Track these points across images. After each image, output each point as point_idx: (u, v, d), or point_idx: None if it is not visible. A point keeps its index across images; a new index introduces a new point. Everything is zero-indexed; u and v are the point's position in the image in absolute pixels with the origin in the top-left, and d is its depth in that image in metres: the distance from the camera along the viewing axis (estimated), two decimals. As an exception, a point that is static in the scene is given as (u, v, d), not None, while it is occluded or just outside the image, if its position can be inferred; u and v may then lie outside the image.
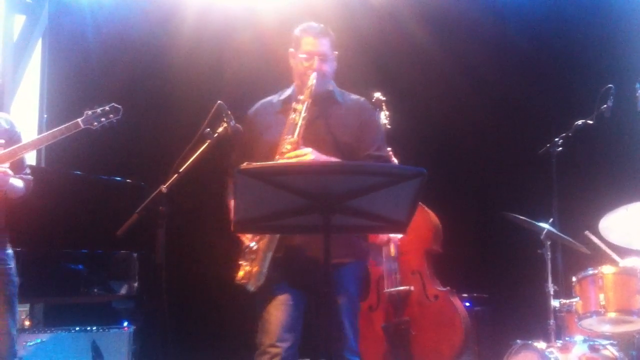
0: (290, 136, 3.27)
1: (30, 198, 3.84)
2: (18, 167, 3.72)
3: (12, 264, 3.75)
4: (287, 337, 3.31)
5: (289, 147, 3.25)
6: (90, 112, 3.77)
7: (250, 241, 3.28)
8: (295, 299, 3.37)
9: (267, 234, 3.20)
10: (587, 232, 4.39)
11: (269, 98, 3.64)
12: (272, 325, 3.32)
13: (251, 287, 3.27)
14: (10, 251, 3.78)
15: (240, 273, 3.27)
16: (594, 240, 4.35)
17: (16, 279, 3.76)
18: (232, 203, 3.28)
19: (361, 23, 5.96)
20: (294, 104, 3.34)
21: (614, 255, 4.32)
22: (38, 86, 6.23)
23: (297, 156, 3.21)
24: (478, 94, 5.95)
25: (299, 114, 3.29)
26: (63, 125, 3.74)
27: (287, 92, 3.58)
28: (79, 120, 3.74)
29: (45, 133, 3.80)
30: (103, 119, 3.77)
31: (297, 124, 3.28)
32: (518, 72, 5.98)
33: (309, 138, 3.31)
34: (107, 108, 3.79)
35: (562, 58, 5.90)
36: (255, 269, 3.24)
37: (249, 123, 3.56)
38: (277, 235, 3.22)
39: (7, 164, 3.57)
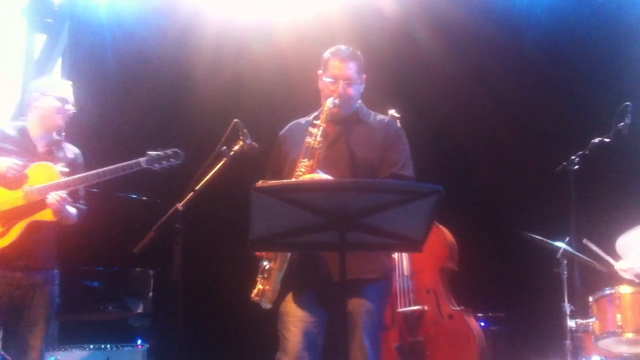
0: (305, 160, 3.30)
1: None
2: (74, 196, 3.83)
3: (56, 284, 3.83)
4: (305, 355, 3.29)
5: (303, 170, 3.27)
6: (153, 154, 3.82)
7: (264, 259, 3.29)
8: (316, 316, 3.35)
9: (282, 252, 3.19)
10: (585, 241, 4.32)
11: (299, 119, 3.67)
12: (291, 342, 3.30)
13: (265, 305, 3.28)
14: (56, 271, 3.87)
15: (254, 291, 3.29)
16: (592, 248, 4.29)
17: (57, 300, 3.86)
18: None
19: (377, 39, 5.96)
20: (309, 128, 3.36)
21: (609, 259, 4.24)
22: (57, 104, 6.28)
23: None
24: (494, 111, 5.93)
25: (315, 138, 3.31)
26: (125, 163, 3.81)
27: (315, 113, 3.60)
28: (140, 160, 3.80)
29: (107, 168, 3.83)
30: (164, 162, 3.83)
31: (312, 148, 3.30)
32: (535, 89, 5.97)
33: (329, 159, 3.34)
34: (169, 152, 3.84)
35: (579, 75, 5.88)
36: (267, 288, 3.25)
37: (280, 144, 3.62)
38: (289, 255, 3.23)
39: (65, 192, 3.70)
